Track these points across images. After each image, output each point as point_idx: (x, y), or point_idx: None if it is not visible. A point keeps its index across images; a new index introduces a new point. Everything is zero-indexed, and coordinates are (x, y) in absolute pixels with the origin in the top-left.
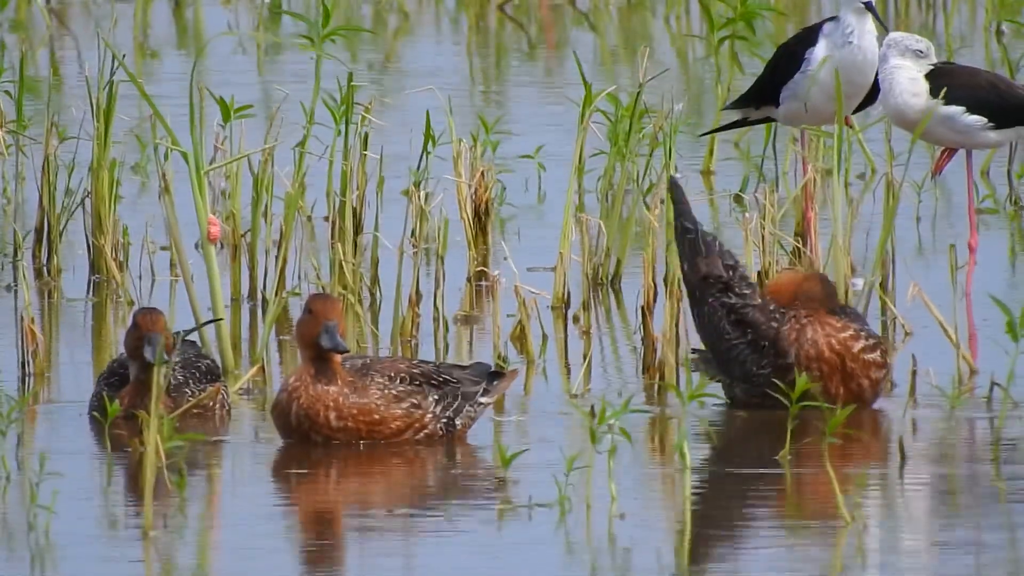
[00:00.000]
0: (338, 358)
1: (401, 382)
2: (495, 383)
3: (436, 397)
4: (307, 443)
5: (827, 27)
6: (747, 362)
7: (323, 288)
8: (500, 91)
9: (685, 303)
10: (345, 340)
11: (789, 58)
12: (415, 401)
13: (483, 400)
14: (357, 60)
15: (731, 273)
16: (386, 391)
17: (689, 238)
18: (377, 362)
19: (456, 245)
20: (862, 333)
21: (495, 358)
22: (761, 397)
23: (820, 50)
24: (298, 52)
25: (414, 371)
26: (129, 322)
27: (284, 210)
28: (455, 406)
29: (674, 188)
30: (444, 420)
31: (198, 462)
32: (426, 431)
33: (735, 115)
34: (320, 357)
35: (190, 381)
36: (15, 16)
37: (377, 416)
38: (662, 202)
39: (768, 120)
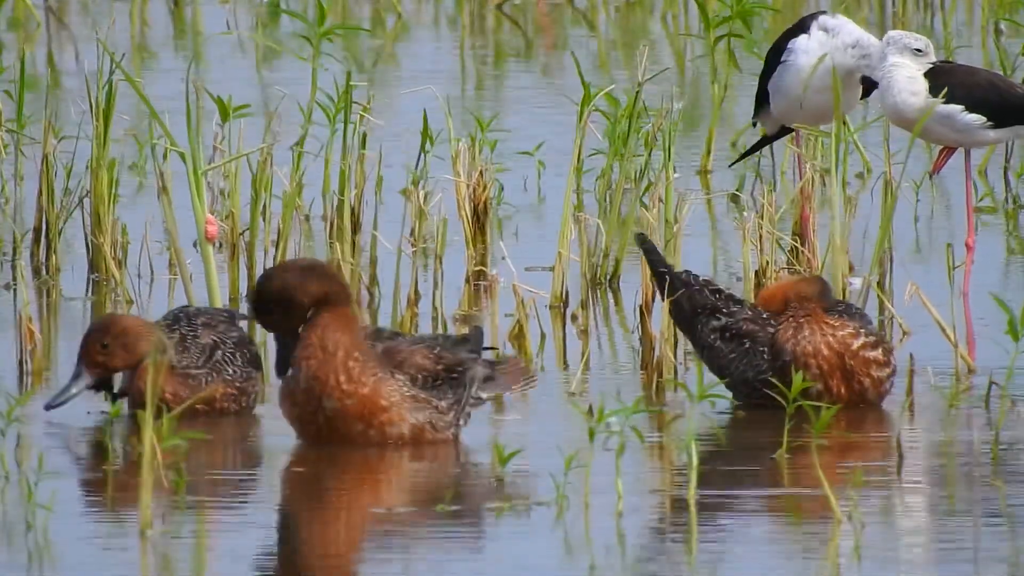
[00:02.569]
0: (352, 334)
1: (424, 384)
2: (496, 370)
3: (451, 400)
4: (312, 424)
5: (823, 20)
6: (746, 369)
7: None
8: (498, 91)
9: None
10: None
11: (775, 52)
12: (432, 420)
13: (483, 395)
14: (355, 59)
15: (717, 296)
16: (405, 391)
17: (668, 281)
18: (399, 353)
19: (454, 244)
20: (861, 331)
21: (493, 357)
22: (766, 399)
23: (805, 42)
24: (297, 50)
25: (439, 367)
26: None
27: (282, 209)
28: (462, 401)
29: (643, 240)
30: (453, 427)
31: (197, 460)
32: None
33: (758, 129)
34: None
35: (238, 359)
36: (12, 15)
37: (383, 405)
38: (661, 201)
39: (786, 131)
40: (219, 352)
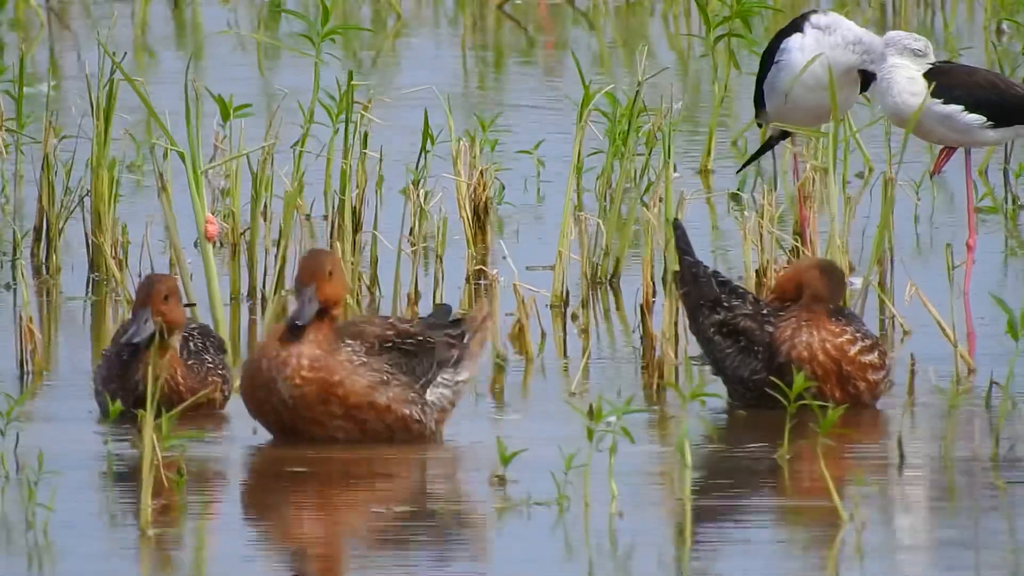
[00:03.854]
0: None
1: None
2: (466, 338)
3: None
4: (266, 414)
5: (815, 19)
6: (740, 367)
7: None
8: (499, 90)
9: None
10: (313, 307)
11: (769, 53)
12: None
13: (460, 378)
14: (356, 59)
15: (720, 288)
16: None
17: (692, 271)
18: (354, 325)
19: (455, 244)
20: (858, 335)
21: (493, 357)
22: (760, 399)
23: (799, 40)
24: (298, 49)
25: (388, 332)
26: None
27: (283, 209)
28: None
29: (676, 226)
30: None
31: (196, 459)
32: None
33: (764, 131)
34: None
35: (210, 348)
36: (14, 15)
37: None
38: (661, 200)
39: (788, 134)
40: (191, 343)
